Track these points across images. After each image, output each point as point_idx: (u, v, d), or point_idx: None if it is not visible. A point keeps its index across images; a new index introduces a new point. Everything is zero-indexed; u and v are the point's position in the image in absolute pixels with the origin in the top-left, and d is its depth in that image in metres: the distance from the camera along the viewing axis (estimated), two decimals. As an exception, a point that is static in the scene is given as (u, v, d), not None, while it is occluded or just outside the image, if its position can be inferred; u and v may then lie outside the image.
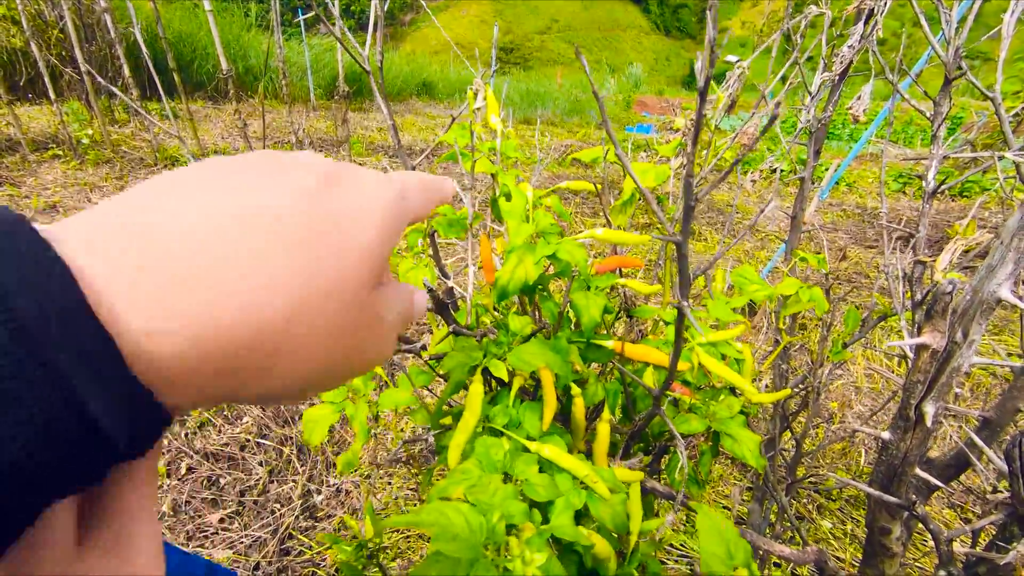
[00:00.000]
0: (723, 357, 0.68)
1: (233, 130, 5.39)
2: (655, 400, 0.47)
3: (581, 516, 0.41)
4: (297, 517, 1.69)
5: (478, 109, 0.55)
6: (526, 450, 0.43)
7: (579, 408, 0.51)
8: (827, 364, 0.75)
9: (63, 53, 4.56)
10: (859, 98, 0.76)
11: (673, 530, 1.65)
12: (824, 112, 0.77)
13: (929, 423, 0.42)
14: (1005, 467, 0.45)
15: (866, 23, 0.70)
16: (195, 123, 4.84)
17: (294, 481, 1.85)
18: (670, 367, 0.44)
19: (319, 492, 1.80)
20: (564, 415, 0.54)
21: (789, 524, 0.59)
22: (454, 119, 0.59)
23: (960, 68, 0.60)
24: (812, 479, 1.85)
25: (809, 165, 0.85)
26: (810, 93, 0.76)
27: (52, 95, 4.12)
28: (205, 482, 1.87)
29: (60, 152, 4.33)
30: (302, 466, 1.92)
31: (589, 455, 0.51)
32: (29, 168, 4.12)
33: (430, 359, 0.54)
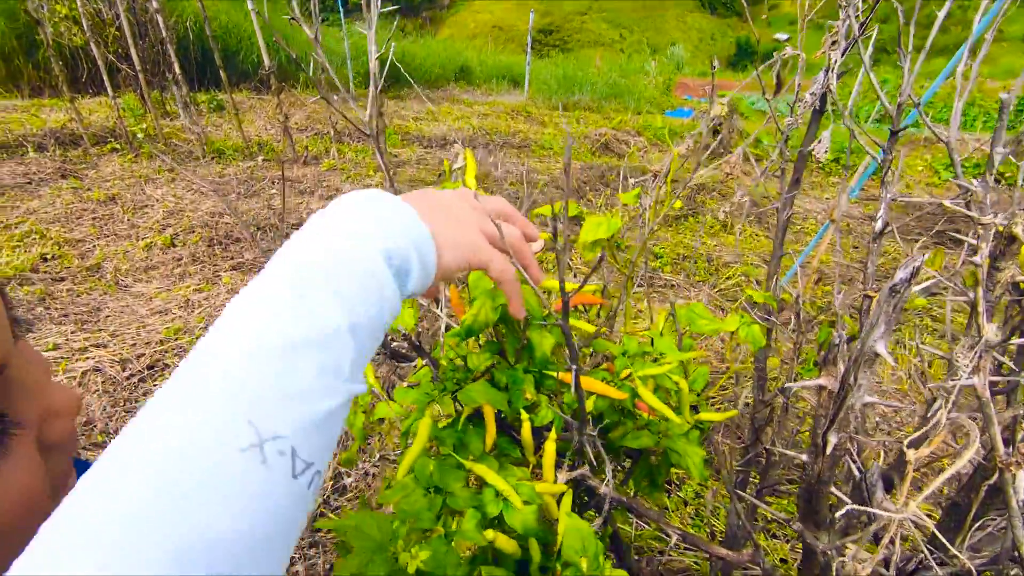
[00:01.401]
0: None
1: (275, 122, 5.58)
2: (579, 424, 0.55)
3: (498, 522, 0.49)
4: (327, 498, 1.84)
5: (458, 169, 0.62)
6: (460, 467, 0.51)
7: (526, 430, 0.58)
8: (798, 380, 0.80)
9: (119, 50, 4.82)
10: (819, 142, 0.79)
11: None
12: (804, 147, 0.81)
13: (828, 450, 0.48)
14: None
15: (827, 72, 0.73)
16: (239, 116, 5.03)
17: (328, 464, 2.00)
18: (578, 400, 0.52)
19: (349, 475, 1.94)
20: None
21: (746, 526, 0.64)
22: (441, 175, 0.66)
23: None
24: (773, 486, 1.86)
25: (783, 195, 0.88)
26: (780, 131, 0.80)
27: (109, 90, 4.38)
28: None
29: (117, 146, 4.60)
30: (338, 452, 2.07)
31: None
32: (90, 161, 4.41)
33: (408, 385, 0.63)
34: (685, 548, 1.59)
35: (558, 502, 0.53)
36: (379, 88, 0.89)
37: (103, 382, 2.38)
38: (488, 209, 0.51)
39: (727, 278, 3.53)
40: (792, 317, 0.85)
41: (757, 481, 1.00)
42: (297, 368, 0.31)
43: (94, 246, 3.34)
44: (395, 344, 0.59)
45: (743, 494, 0.62)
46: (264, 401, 0.30)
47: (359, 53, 9.41)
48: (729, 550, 0.68)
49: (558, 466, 0.57)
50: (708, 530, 1.66)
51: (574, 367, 0.46)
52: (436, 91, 10.67)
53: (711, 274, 3.60)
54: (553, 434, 0.55)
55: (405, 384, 0.64)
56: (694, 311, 0.67)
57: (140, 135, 4.66)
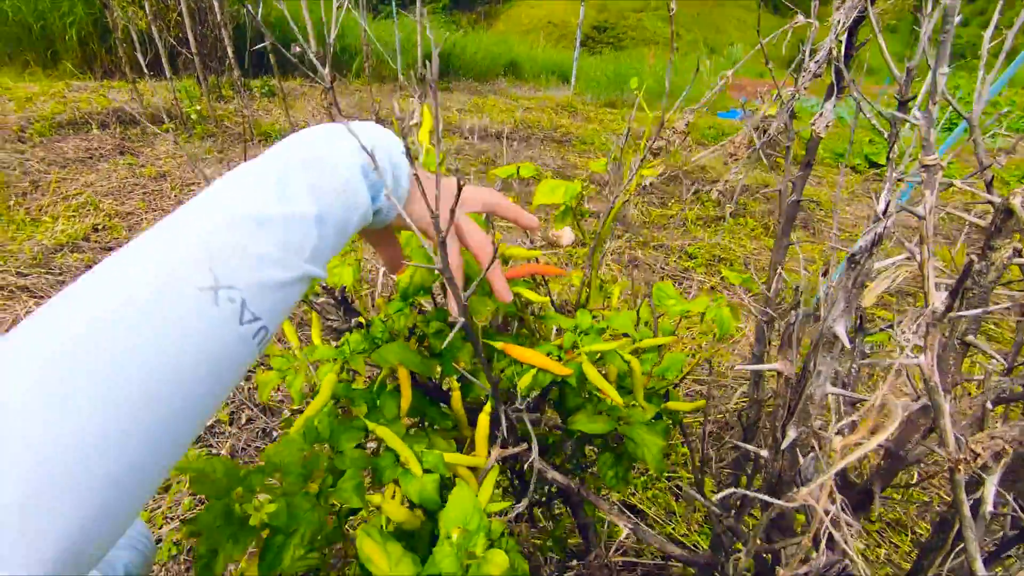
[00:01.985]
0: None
1: (322, 108, 5.72)
2: (491, 396, 0.51)
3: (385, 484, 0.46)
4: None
5: (414, 125, 0.59)
6: (365, 429, 0.49)
7: (455, 399, 0.55)
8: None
9: (180, 35, 5.04)
10: (821, 115, 0.71)
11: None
12: (814, 127, 0.74)
13: (785, 444, 0.43)
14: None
15: (835, 36, 0.66)
16: (288, 101, 5.17)
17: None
18: (485, 371, 0.48)
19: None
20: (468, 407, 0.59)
21: (734, 528, 0.59)
22: (405, 134, 0.63)
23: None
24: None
25: (786, 177, 0.81)
26: (783, 102, 0.73)
27: (168, 73, 4.59)
28: (260, 432, 2.09)
29: (172, 126, 4.82)
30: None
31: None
32: (147, 139, 4.63)
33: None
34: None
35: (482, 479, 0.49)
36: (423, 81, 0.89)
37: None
38: (478, 199, 0.53)
39: (763, 282, 3.38)
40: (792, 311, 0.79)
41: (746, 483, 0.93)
42: (262, 237, 0.37)
43: (142, 219, 3.50)
44: (322, 300, 0.57)
45: (695, 494, 0.57)
46: (226, 256, 0.35)
47: (411, 45, 9.52)
48: (709, 551, 0.64)
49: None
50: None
51: (473, 338, 0.43)
52: (484, 84, 10.70)
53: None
54: (488, 407, 0.51)
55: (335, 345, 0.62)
56: (662, 290, 0.63)
57: (194, 116, 4.87)
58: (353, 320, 0.56)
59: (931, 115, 0.37)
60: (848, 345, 0.39)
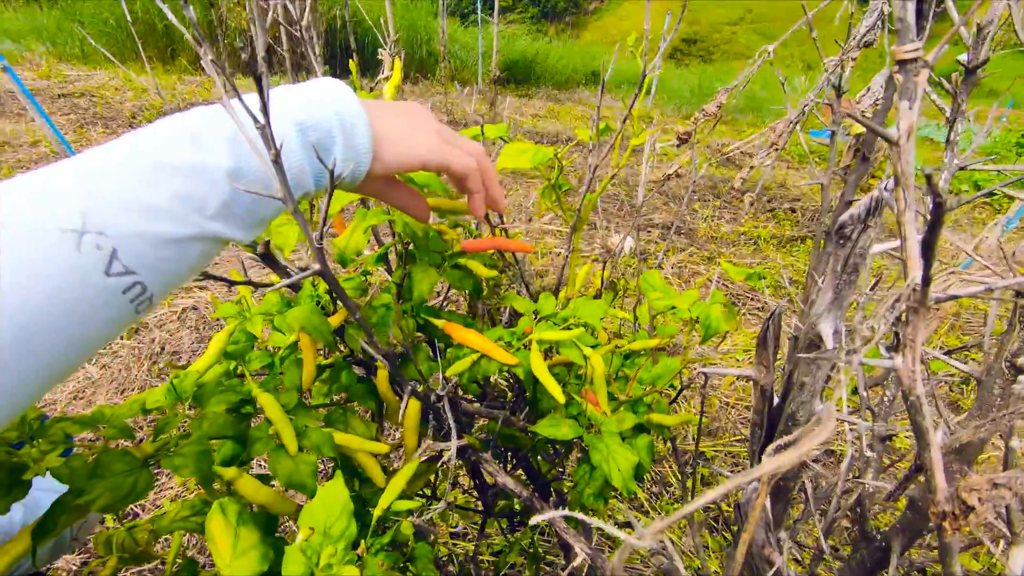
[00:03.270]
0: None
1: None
2: (432, 396, 0.44)
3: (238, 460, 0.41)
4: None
5: (386, 78, 0.55)
6: (247, 403, 0.43)
7: (381, 379, 0.49)
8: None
9: (275, 34, 5.39)
10: (868, 90, 0.59)
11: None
12: (858, 104, 0.62)
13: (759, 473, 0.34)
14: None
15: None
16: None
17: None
18: (405, 350, 0.41)
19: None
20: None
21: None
22: (372, 88, 0.59)
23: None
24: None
25: (829, 169, 0.69)
26: (835, 86, 0.61)
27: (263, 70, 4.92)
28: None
29: (262, 118, 5.15)
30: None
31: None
32: (237, 130, 4.98)
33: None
34: None
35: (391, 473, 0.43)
36: (497, 83, 0.85)
37: (196, 319, 2.64)
38: (462, 140, 0.49)
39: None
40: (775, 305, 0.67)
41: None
42: (154, 186, 0.34)
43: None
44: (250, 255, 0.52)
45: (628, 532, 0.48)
46: (104, 201, 0.32)
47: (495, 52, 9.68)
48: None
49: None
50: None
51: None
52: (564, 92, 10.70)
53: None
54: (414, 390, 0.45)
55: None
56: (648, 281, 0.54)
57: (281, 110, 5.19)
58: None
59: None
60: (831, 347, 0.30)
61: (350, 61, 0.71)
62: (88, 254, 0.31)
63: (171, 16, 0.28)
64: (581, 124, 7.01)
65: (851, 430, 0.42)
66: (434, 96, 6.79)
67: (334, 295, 0.50)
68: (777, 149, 0.72)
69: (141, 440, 0.51)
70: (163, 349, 2.43)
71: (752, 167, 0.79)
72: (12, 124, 4.26)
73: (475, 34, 9.96)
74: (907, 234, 0.20)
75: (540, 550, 0.80)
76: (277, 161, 0.30)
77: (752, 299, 3.16)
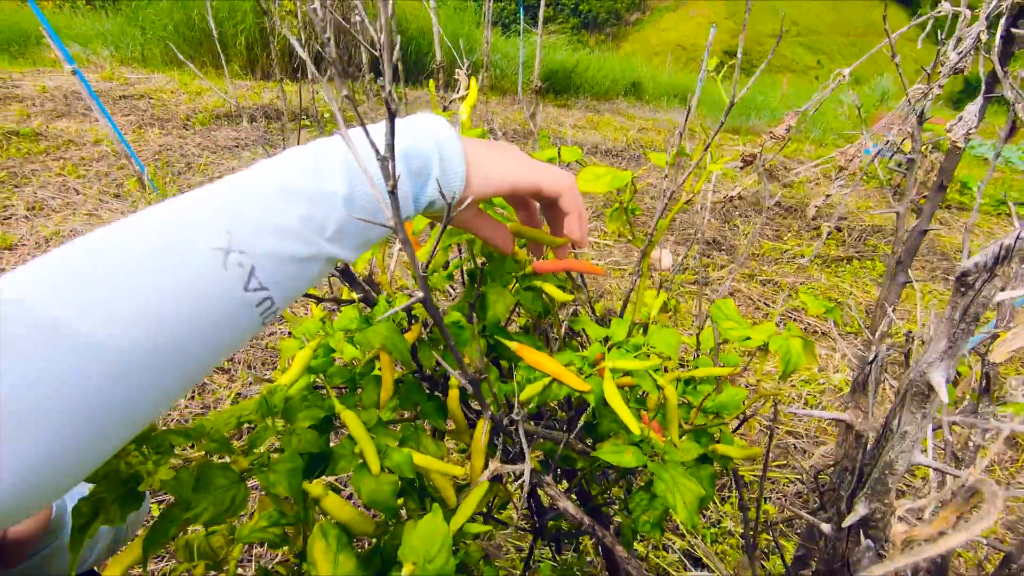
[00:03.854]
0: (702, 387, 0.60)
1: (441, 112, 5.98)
2: (482, 401, 0.44)
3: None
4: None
5: (458, 98, 0.55)
6: (328, 420, 0.44)
7: (452, 398, 0.49)
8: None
9: (323, 42, 5.55)
10: (960, 119, 0.56)
11: None
12: (950, 134, 0.59)
13: (849, 521, 0.33)
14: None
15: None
16: (407, 106, 5.50)
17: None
18: (477, 374, 0.40)
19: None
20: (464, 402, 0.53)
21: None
22: (446, 106, 0.60)
23: None
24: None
25: (908, 195, 0.66)
26: (915, 113, 0.59)
27: (311, 76, 5.06)
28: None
29: (308, 123, 5.29)
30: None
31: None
32: (285, 134, 5.12)
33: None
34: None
35: (460, 490, 0.43)
36: (538, 93, 0.88)
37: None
38: (552, 167, 0.51)
39: (868, 325, 2.98)
40: (904, 355, 0.65)
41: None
42: (283, 209, 0.37)
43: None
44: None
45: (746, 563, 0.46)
46: (244, 223, 0.35)
47: (535, 61, 9.71)
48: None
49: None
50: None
51: (450, 343, 0.37)
52: (603, 102, 10.67)
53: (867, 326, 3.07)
54: (488, 414, 0.45)
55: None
56: (721, 309, 0.53)
57: (327, 115, 5.31)
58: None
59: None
60: (945, 399, 0.29)
61: (431, 82, 0.72)
62: (232, 270, 0.35)
63: (297, 48, 0.29)
64: (620, 135, 6.97)
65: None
66: (480, 105, 6.89)
67: (411, 311, 0.51)
68: (848, 174, 0.70)
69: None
70: (232, 357, 2.51)
71: (828, 195, 0.77)
72: (77, 124, 4.49)
73: (516, 44, 10.04)
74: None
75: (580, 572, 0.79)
76: (393, 192, 0.31)
77: (795, 320, 3.07)
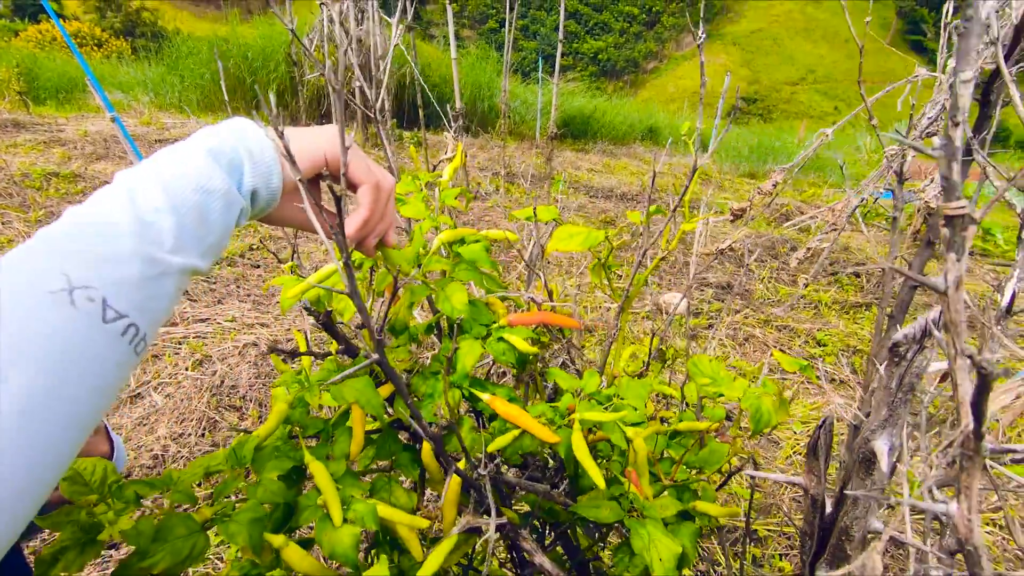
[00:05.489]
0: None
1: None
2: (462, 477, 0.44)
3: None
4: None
5: (448, 159, 0.58)
6: (299, 470, 0.45)
7: (426, 450, 0.50)
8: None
9: (350, 90, 5.80)
10: (932, 180, 0.57)
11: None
12: (923, 195, 0.60)
13: None
14: None
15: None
16: (428, 150, 5.66)
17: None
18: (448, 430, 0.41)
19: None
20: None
21: None
22: (435, 166, 0.63)
23: None
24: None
25: (892, 242, 0.66)
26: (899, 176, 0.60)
27: (335, 120, 5.30)
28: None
29: (331, 166, 5.49)
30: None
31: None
32: (308, 176, 5.30)
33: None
34: None
35: (429, 542, 0.44)
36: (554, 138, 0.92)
37: (255, 355, 2.76)
38: (373, 164, 0.54)
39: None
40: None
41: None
42: (115, 238, 0.38)
43: (287, 244, 3.96)
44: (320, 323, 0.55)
45: None
46: (79, 260, 0.36)
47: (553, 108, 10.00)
48: None
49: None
50: None
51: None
52: (620, 147, 10.86)
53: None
54: (461, 465, 0.46)
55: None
56: (697, 365, 0.53)
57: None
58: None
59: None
60: (886, 468, 0.29)
61: (411, 147, 0.76)
62: (84, 306, 0.34)
63: (334, 96, 0.32)
64: (635, 180, 7.05)
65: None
66: (492, 149, 7.05)
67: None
68: (836, 231, 0.71)
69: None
70: (223, 382, 2.54)
71: (810, 248, 0.78)
72: (114, 166, 4.71)
73: (535, 91, 10.35)
74: (959, 381, 0.20)
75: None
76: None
77: (815, 366, 3.01)
